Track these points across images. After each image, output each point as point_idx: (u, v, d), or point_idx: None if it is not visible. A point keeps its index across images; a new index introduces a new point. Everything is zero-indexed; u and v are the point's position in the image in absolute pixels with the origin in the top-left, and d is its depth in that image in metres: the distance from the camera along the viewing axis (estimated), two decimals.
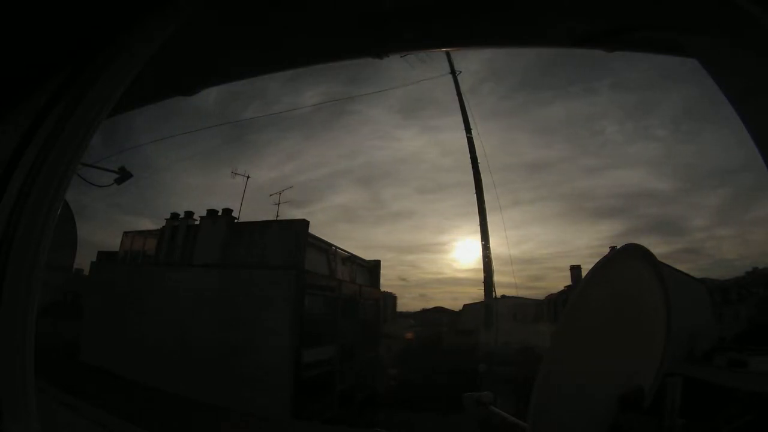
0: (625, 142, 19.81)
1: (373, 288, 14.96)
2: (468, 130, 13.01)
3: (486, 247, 12.46)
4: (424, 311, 15.62)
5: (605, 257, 1.63)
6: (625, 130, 21.10)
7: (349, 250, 14.52)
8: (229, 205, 13.34)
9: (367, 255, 15.23)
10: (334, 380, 11.86)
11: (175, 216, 13.46)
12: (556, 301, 13.17)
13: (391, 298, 15.39)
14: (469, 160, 13.31)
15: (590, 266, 1.55)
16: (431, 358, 12.64)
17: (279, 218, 13.46)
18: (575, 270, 12.38)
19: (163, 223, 13.39)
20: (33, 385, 1.17)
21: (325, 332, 12.05)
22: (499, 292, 12.94)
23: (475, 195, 13.06)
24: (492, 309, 12.79)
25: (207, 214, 13.27)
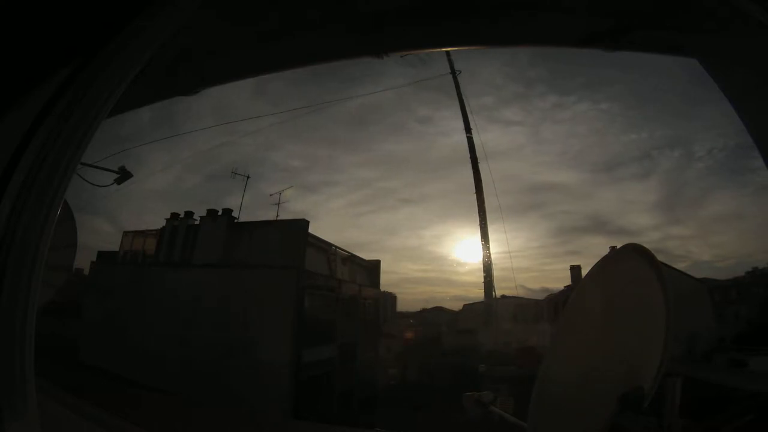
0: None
1: (373, 288, 14.96)
2: (468, 129, 12.96)
3: (486, 247, 12.44)
4: (424, 311, 15.58)
5: (605, 257, 1.63)
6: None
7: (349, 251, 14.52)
8: (229, 205, 13.34)
9: (367, 255, 15.16)
10: (334, 380, 11.86)
11: (175, 216, 13.46)
12: (556, 301, 13.16)
13: (391, 298, 15.38)
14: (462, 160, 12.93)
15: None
16: (431, 358, 12.63)
17: (279, 218, 13.47)
18: (575, 270, 12.36)
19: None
20: (33, 385, 1.17)
21: (325, 332, 12.06)
22: (498, 292, 12.91)
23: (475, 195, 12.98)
24: (492, 309, 12.78)
25: (207, 213, 13.27)
